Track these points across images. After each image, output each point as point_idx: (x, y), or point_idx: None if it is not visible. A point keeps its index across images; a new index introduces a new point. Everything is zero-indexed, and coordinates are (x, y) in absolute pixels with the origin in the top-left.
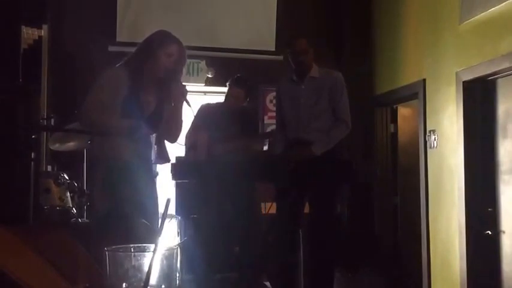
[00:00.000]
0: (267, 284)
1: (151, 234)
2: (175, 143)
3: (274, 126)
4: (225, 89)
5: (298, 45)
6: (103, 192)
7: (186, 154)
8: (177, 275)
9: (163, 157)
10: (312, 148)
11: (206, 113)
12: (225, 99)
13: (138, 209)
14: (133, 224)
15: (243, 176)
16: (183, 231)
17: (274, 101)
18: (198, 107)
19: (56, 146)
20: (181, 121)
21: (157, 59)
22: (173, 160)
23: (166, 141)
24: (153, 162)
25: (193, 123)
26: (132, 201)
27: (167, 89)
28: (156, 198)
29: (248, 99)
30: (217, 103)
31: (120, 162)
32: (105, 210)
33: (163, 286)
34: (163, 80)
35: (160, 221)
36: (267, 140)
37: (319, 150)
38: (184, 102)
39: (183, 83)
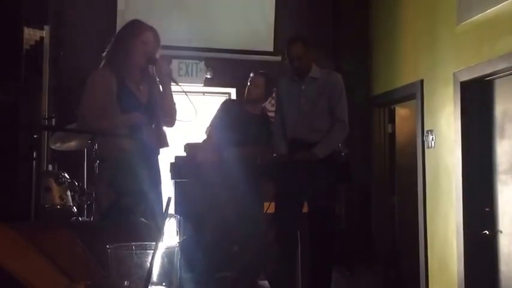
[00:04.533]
0: (266, 283)
1: (150, 232)
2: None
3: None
4: (224, 89)
5: (293, 49)
6: (107, 187)
7: (196, 151)
8: (177, 273)
9: (163, 142)
10: (315, 151)
11: (227, 110)
12: (246, 91)
13: (144, 201)
14: (135, 218)
15: (243, 176)
16: (182, 230)
17: (272, 102)
18: (222, 102)
19: (57, 146)
20: (173, 103)
21: (135, 48)
22: (172, 160)
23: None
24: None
25: (212, 119)
26: (140, 193)
27: (152, 75)
28: (161, 194)
29: (268, 99)
30: (240, 100)
31: (124, 155)
32: (109, 202)
33: (164, 283)
34: (147, 68)
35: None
36: None
37: (322, 153)
38: (173, 83)
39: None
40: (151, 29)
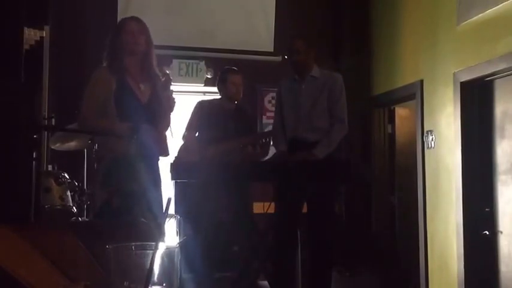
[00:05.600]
0: (265, 283)
1: (150, 233)
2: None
3: (271, 127)
4: None
5: (293, 45)
6: (103, 186)
7: (178, 155)
8: (178, 273)
9: (164, 150)
10: (315, 152)
11: (203, 110)
12: (225, 92)
13: (140, 202)
14: (133, 219)
15: (242, 176)
16: (182, 230)
17: (272, 102)
18: (195, 104)
19: (57, 146)
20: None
21: (124, 42)
22: (172, 160)
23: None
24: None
25: (188, 122)
26: (133, 194)
27: (153, 73)
28: (160, 194)
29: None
30: (214, 99)
31: (121, 155)
32: (101, 202)
33: (164, 284)
34: (146, 65)
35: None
36: (269, 143)
37: (322, 154)
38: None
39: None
40: (132, 17)
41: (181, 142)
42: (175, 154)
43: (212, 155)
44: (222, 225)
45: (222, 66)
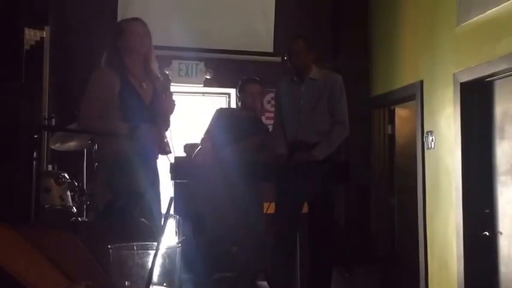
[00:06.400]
0: (265, 283)
1: (150, 233)
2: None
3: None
4: (224, 90)
5: (293, 45)
6: (104, 188)
7: (194, 157)
8: (178, 273)
9: (164, 149)
10: (315, 153)
11: (221, 116)
12: (243, 101)
13: (141, 202)
14: (133, 219)
15: (243, 176)
16: (181, 230)
17: (272, 102)
18: (215, 110)
19: (57, 146)
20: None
21: (128, 42)
22: (172, 160)
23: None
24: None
25: (208, 127)
26: (133, 195)
27: (153, 74)
28: (159, 195)
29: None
30: (233, 108)
31: (121, 157)
32: (104, 203)
33: (164, 284)
34: (147, 66)
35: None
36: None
37: (322, 155)
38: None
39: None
40: (136, 19)
41: (199, 146)
42: (193, 155)
43: (226, 156)
44: (221, 225)
45: (221, 67)
